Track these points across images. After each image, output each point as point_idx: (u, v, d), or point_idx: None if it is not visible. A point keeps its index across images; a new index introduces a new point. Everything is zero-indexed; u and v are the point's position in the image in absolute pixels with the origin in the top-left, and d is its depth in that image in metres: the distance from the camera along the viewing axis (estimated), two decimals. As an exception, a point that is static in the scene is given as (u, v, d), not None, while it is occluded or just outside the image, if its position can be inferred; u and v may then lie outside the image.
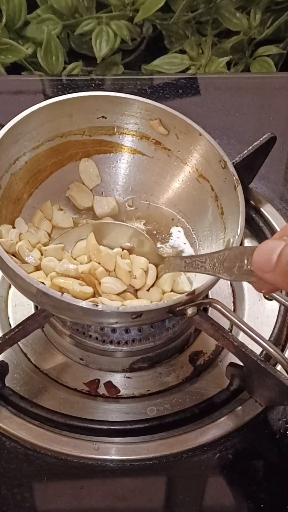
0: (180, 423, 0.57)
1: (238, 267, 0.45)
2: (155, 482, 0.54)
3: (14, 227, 0.61)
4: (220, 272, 0.48)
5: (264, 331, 0.64)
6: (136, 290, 0.60)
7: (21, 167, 0.62)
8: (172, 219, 0.67)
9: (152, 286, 0.60)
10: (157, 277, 0.60)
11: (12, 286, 0.67)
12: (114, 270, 0.60)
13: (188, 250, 0.65)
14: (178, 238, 0.66)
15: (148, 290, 0.60)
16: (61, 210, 0.65)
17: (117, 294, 0.58)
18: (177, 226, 0.66)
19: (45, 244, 0.61)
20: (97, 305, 0.50)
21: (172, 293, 0.60)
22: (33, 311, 0.65)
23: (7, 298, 0.68)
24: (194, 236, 0.65)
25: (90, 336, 0.60)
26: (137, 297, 0.59)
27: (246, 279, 0.46)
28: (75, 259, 0.60)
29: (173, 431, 0.57)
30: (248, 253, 0.44)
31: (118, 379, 0.62)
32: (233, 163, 0.63)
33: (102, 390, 0.61)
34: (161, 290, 0.60)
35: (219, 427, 0.57)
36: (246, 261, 0.44)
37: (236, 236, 0.56)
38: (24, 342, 0.63)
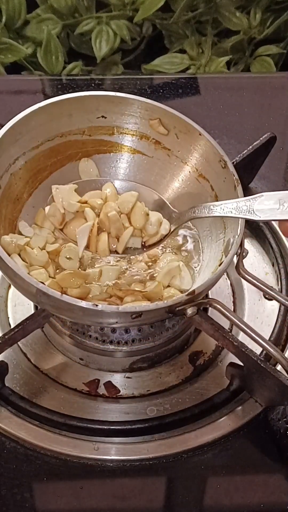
0: (180, 423, 0.57)
1: (270, 209, 0.50)
2: (155, 482, 0.54)
3: (18, 231, 0.61)
4: (250, 214, 0.51)
5: (264, 331, 0.64)
6: (144, 243, 0.60)
7: (21, 166, 0.62)
8: None
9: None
10: (171, 231, 0.60)
11: (12, 286, 0.67)
12: (129, 214, 0.59)
13: (189, 247, 0.65)
14: (178, 236, 0.66)
15: (155, 244, 0.60)
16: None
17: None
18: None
19: (53, 243, 0.61)
20: (97, 305, 0.50)
21: (172, 293, 0.60)
22: (33, 311, 0.65)
23: (7, 298, 0.68)
24: (194, 235, 0.65)
25: (90, 336, 0.60)
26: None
27: (278, 218, 0.51)
28: (86, 202, 0.60)
29: (173, 431, 0.56)
30: (282, 196, 0.50)
31: (118, 379, 0.62)
32: (233, 163, 0.63)
33: (102, 390, 0.61)
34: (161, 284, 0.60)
35: (219, 427, 0.57)
36: (279, 203, 0.50)
37: (236, 236, 0.56)
38: (24, 342, 0.63)
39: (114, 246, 0.60)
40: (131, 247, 0.60)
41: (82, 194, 0.61)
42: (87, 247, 0.59)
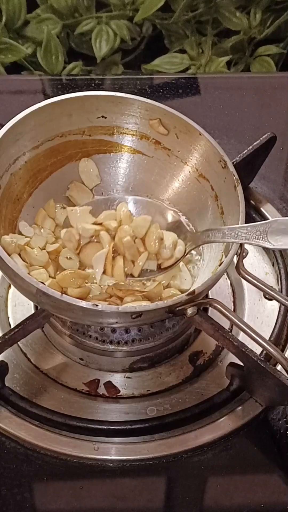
0: (180, 423, 0.57)
1: (283, 235, 0.50)
2: (155, 482, 0.54)
3: (18, 231, 0.61)
4: (263, 241, 0.51)
5: (264, 331, 0.64)
6: (160, 266, 0.60)
7: (21, 166, 0.62)
8: None
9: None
10: (185, 253, 0.60)
11: (12, 286, 0.67)
12: (144, 238, 0.60)
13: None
14: None
15: (171, 266, 0.60)
16: (64, 208, 0.65)
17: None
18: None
19: (53, 243, 0.62)
20: (97, 305, 0.50)
21: (172, 293, 0.60)
22: (33, 311, 0.65)
23: (7, 298, 0.68)
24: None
25: (90, 336, 0.60)
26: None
27: None
28: (101, 224, 0.60)
29: (173, 431, 0.56)
30: None
31: (118, 379, 0.62)
32: (233, 162, 0.63)
33: (102, 390, 0.61)
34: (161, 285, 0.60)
35: (219, 427, 0.56)
36: None
37: (236, 236, 0.56)
38: (24, 342, 0.63)
39: (129, 269, 0.60)
40: (146, 269, 0.60)
41: (96, 213, 0.62)
42: (103, 273, 0.59)
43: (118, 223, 0.60)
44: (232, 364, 0.59)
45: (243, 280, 0.62)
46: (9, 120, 0.59)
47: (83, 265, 0.60)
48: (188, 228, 0.62)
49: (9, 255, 0.54)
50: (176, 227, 0.62)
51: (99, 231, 0.60)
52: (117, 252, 0.60)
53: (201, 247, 0.64)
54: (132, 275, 0.60)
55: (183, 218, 0.66)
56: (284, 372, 0.54)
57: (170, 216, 0.62)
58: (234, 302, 0.70)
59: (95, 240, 0.60)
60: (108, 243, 0.59)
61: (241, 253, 0.58)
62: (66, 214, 0.63)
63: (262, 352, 0.59)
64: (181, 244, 0.60)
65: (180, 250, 0.60)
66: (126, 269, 0.59)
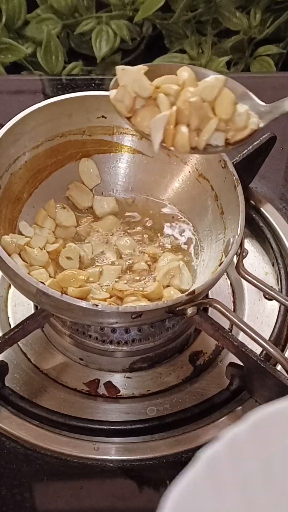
0: (180, 423, 0.57)
1: None
2: (155, 482, 0.54)
3: (18, 231, 0.61)
4: None
5: (264, 331, 0.64)
6: (228, 140, 0.50)
7: (21, 166, 0.62)
8: (172, 217, 0.67)
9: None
10: (259, 128, 0.51)
11: (12, 286, 0.67)
12: (213, 103, 0.49)
13: (189, 247, 0.65)
14: (178, 235, 0.66)
15: (241, 140, 0.51)
16: (64, 208, 0.65)
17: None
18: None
19: (53, 243, 0.62)
20: (97, 305, 0.50)
21: (172, 293, 0.60)
22: (33, 311, 0.65)
23: (7, 298, 0.68)
24: (194, 235, 0.65)
25: (90, 336, 0.60)
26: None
27: None
28: (159, 88, 0.50)
29: (173, 431, 0.56)
30: None
31: (118, 379, 0.62)
32: (233, 162, 0.63)
33: (102, 390, 0.61)
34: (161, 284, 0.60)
35: (219, 427, 0.56)
36: None
37: (236, 236, 0.56)
38: (24, 342, 0.63)
39: (192, 142, 0.50)
40: (211, 145, 0.51)
41: (151, 79, 0.51)
42: (162, 141, 0.49)
43: (180, 87, 0.49)
44: (232, 364, 0.59)
45: (243, 280, 0.62)
46: (9, 120, 0.59)
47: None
48: (259, 102, 0.52)
49: (9, 255, 0.54)
50: (246, 101, 0.52)
51: (158, 93, 0.49)
52: (177, 122, 0.49)
53: (200, 247, 0.64)
54: (196, 149, 0.50)
55: (182, 217, 0.66)
56: (284, 372, 0.54)
57: (240, 90, 0.52)
58: (234, 302, 0.70)
59: (152, 105, 0.50)
60: (168, 107, 0.48)
61: (241, 253, 0.58)
62: (66, 214, 0.63)
63: (262, 352, 0.59)
64: (255, 116, 0.50)
65: (254, 122, 0.50)
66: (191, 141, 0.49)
